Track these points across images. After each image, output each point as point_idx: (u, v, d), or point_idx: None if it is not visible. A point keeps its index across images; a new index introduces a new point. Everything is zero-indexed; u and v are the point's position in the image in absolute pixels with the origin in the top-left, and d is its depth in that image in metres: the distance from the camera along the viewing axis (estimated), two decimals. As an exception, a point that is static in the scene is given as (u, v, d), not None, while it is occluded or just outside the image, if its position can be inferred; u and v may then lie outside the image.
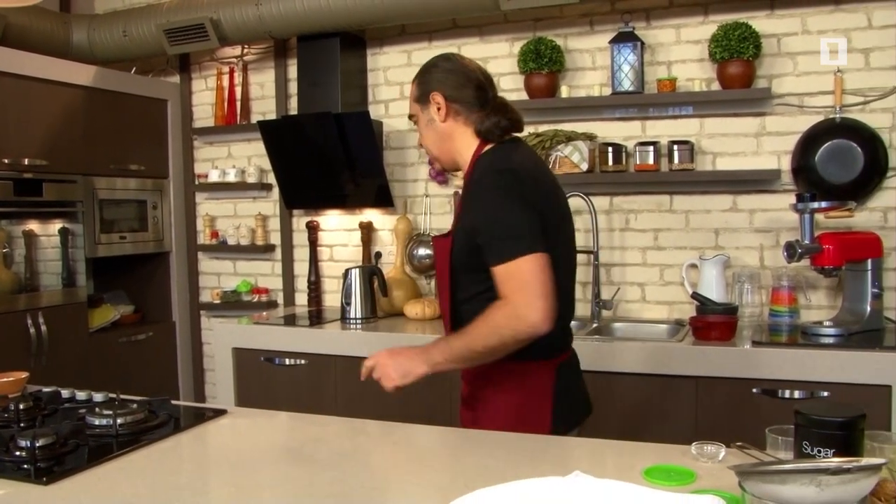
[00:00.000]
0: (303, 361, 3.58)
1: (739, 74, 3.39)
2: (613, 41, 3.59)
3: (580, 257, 3.73)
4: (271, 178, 4.42)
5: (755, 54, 3.35)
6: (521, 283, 1.76)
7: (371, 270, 3.84)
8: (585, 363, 3.05)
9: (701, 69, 3.58)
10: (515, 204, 1.82)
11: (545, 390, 1.96)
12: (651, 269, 3.74)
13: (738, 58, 3.35)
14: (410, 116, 2.13)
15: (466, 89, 2.01)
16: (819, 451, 1.40)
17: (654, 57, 3.66)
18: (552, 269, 1.80)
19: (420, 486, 1.49)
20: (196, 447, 1.80)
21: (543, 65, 3.65)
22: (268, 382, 3.67)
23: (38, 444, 1.64)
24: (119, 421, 1.82)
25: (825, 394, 2.80)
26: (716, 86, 3.50)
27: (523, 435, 1.82)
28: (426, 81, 2.05)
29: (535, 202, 1.85)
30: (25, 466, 1.62)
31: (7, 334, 3.67)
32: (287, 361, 3.61)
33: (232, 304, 4.43)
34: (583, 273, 3.78)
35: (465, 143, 2.02)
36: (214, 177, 4.48)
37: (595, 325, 3.56)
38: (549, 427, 1.93)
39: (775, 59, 3.46)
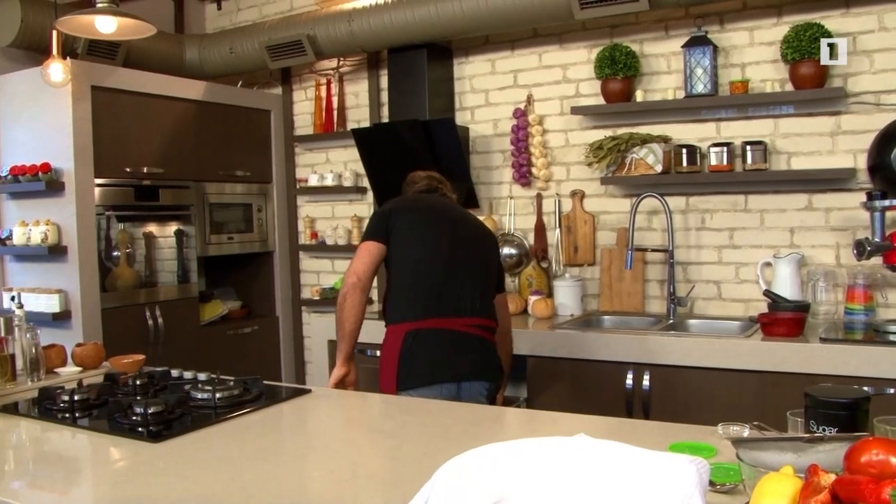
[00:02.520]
0: (391, 352, 3.84)
1: (811, 75, 3.45)
2: (686, 45, 3.71)
3: (659, 256, 3.90)
4: (366, 182, 4.71)
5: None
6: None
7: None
8: (658, 357, 3.23)
9: (775, 70, 3.65)
10: (372, 219, 2.84)
11: (394, 349, 2.68)
12: (727, 267, 3.82)
13: (809, 58, 3.41)
14: None
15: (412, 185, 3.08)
16: (824, 429, 1.53)
17: (728, 59, 3.75)
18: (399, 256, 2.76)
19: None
20: (280, 418, 2.07)
21: (618, 70, 3.80)
22: (359, 372, 3.93)
23: (150, 411, 1.94)
24: (217, 395, 2.11)
25: (892, 391, 2.85)
26: (789, 86, 3.57)
27: (569, 415, 2.01)
28: None
29: (388, 218, 2.77)
30: (140, 429, 1.92)
31: (129, 325, 4.09)
32: (378, 353, 3.86)
33: (330, 300, 4.74)
34: (660, 271, 3.94)
35: None
36: (314, 181, 4.81)
37: (670, 322, 3.69)
38: (395, 380, 2.63)
39: (851, 57, 3.49)
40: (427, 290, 2.72)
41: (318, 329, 4.12)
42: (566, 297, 3.96)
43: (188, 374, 2.46)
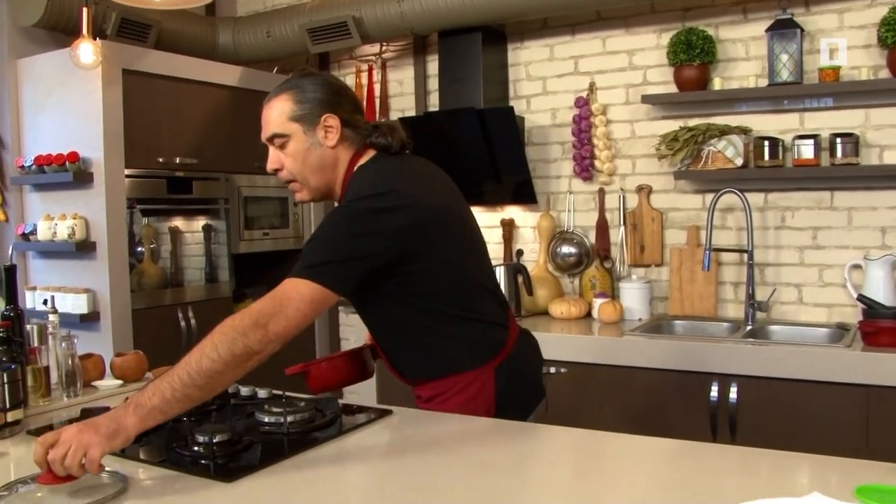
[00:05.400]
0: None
1: (913, 60, 3.14)
2: (771, 29, 3.40)
3: (733, 256, 3.60)
4: (409, 175, 4.42)
5: (933, 38, 3.10)
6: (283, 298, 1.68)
7: (516, 268, 3.76)
8: (740, 367, 2.94)
9: (867, 56, 3.34)
10: (356, 234, 1.73)
11: (487, 395, 1.92)
12: (809, 269, 3.52)
13: (912, 42, 3.11)
14: (273, 137, 1.94)
15: (357, 113, 1.96)
16: None
17: (814, 45, 3.44)
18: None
19: (606, 498, 1.41)
20: (367, 448, 1.77)
21: (695, 56, 3.50)
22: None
23: (215, 441, 1.65)
24: (288, 419, 1.82)
25: None
26: (884, 73, 3.26)
27: (700, 444, 1.72)
28: (310, 101, 1.90)
29: (393, 227, 1.74)
30: (203, 462, 1.63)
31: (160, 327, 3.80)
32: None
33: (370, 300, 4.45)
34: (735, 273, 3.64)
35: (342, 169, 1.94)
36: (353, 174, 4.51)
37: (749, 328, 3.39)
38: None
39: (955, 42, 3.19)
40: (492, 304, 2.02)
41: (362, 331, 3.82)
42: (633, 300, 3.66)
43: (245, 391, 2.16)
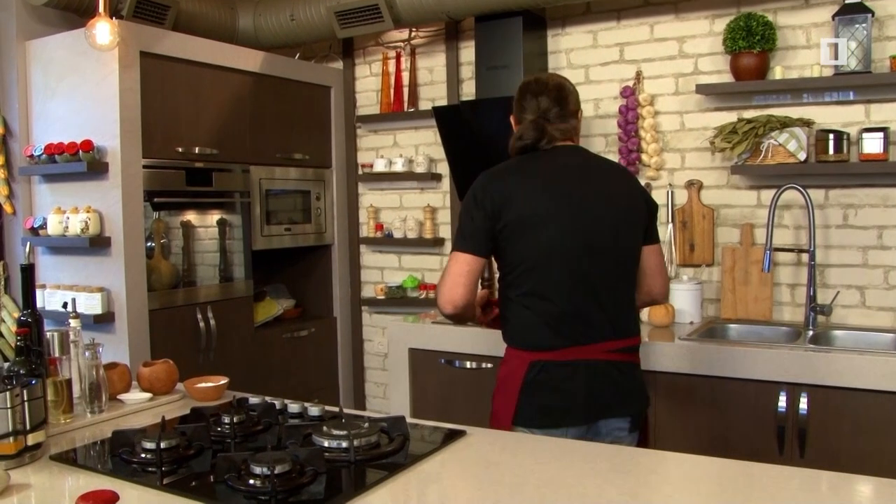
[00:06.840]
0: (489, 365, 3.30)
1: None
2: (839, 14, 3.17)
3: (790, 257, 3.37)
4: (440, 168, 4.18)
5: None
6: (444, 271, 2.16)
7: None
8: (810, 375, 2.71)
9: (941, 43, 3.12)
10: (465, 213, 2.16)
11: (515, 379, 2.10)
12: (873, 270, 3.30)
13: None
14: None
15: (525, 113, 2.30)
16: None
17: (882, 31, 3.21)
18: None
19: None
20: (450, 480, 1.54)
21: (755, 43, 3.26)
22: (447, 386, 3.42)
23: (276, 472, 1.41)
24: (354, 443, 1.59)
25: None
26: (961, 62, 3.04)
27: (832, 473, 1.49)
28: None
29: (494, 217, 2.09)
30: (262, 497, 1.40)
31: (177, 328, 3.57)
32: (468, 364, 3.35)
33: (397, 300, 4.22)
34: (792, 274, 3.41)
35: None
36: (380, 166, 4.27)
37: (811, 333, 3.16)
38: (512, 415, 2.08)
39: None
40: (555, 309, 2.08)
41: (397, 334, 3.57)
42: (684, 301, 3.42)
43: (294, 407, 1.92)
